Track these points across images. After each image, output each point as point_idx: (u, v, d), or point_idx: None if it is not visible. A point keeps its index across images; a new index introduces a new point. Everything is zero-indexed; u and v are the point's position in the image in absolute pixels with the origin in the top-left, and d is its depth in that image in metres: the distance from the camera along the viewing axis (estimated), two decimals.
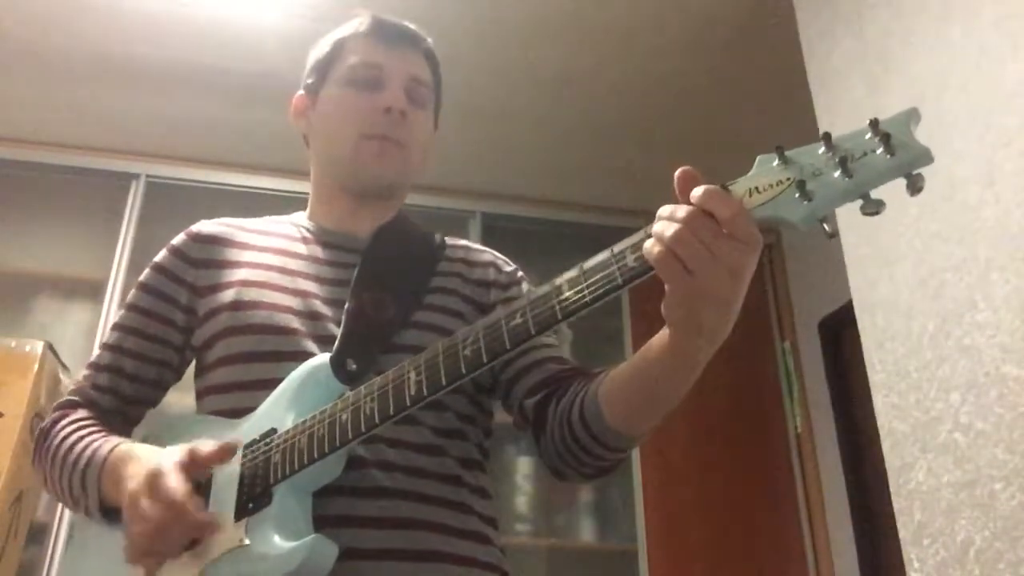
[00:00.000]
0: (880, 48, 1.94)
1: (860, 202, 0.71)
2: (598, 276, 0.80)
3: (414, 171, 1.21)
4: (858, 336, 1.89)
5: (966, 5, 1.72)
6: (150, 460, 0.94)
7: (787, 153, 0.74)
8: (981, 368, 1.54)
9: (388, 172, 1.17)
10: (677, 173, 0.78)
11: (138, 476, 0.92)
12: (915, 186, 0.68)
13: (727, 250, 0.74)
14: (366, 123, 1.15)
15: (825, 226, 0.72)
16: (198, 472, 0.94)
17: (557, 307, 0.82)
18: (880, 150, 0.70)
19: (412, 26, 1.25)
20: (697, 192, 0.75)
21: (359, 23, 1.22)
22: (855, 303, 1.91)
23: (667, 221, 0.76)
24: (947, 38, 1.75)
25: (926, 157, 0.69)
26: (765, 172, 0.75)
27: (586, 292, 0.81)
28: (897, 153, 0.69)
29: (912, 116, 0.71)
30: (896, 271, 1.79)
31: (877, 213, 0.70)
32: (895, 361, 1.75)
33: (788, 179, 0.73)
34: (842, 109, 2.05)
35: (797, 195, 0.73)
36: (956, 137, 1.65)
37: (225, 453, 0.95)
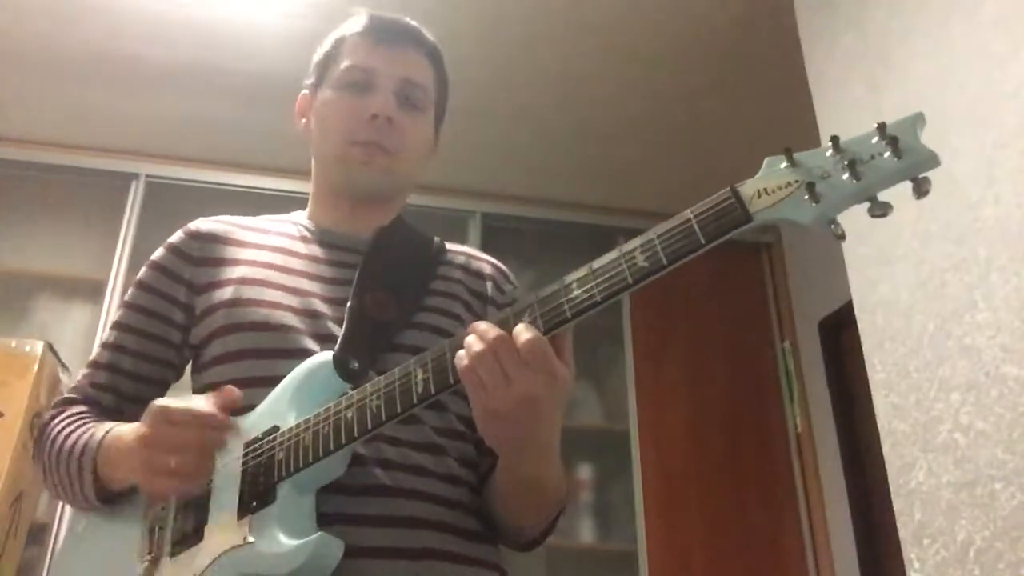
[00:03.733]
0: (880, 48, 1.95)
1: (867, 204, 0.72)
2: (608, 275, 0.80)
3: (406, 176, 1.21)
4: (858, 336, 1.89)
5: (966, 5, 1.72)
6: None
7: (795, 155, 0.75)
8: (981, 368, 1.54)
9: (375, 178, 1.16)
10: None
11: (140, 427, 0.95)
12: (921, 189, 0.69)
13: (521, 377, 0.82)
14: (353, 129, 1.15)
15: (834, 228, 0.73)
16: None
17: (567, 306, 0.82)
18: (888, 153, 0.71)
19: (413, 23, 1.23)
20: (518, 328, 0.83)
21: (357, 21, 1.22)
22: (855, 303, 1.91)
23: (476, 338, 0.83)
24: (947, 38, 1.76)
25: (933, 161, 0.70)
26: (774, 174, 0.76)
27: (596, 291, 0.80)
28: (905, 156, 0.70)
29: (918, 120, 0.72)
30: (896, 271, 1.79)
31: (884, 215, 0.70)
32: (895, 361, 1.75)
33: (797, 181, 0.74)
34: (842, 109, 2.05)
35: (806, 197, 0.73)
36: (956, 137, 1.65)
37: (229, 399, 0.98)
